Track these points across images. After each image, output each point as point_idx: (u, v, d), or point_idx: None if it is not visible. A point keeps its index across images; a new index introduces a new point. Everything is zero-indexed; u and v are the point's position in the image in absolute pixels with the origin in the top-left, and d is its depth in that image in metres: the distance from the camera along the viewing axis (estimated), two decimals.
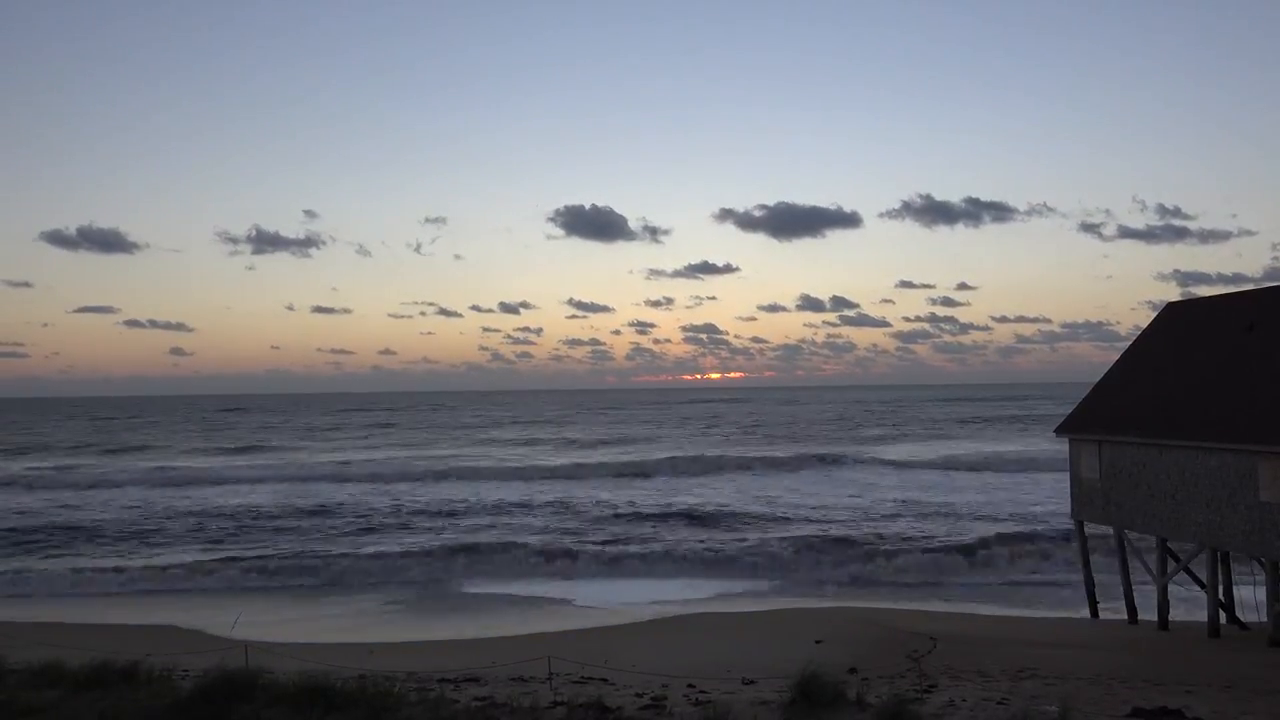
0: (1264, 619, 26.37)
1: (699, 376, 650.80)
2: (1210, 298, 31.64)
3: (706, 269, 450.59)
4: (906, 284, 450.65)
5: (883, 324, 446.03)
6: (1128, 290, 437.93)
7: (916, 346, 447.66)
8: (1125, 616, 29.94)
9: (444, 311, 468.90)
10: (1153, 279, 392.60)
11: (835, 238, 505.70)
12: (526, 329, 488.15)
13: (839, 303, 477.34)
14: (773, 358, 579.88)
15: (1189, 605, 29.84)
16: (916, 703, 14.18)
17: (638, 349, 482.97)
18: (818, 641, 24.52)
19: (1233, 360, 27.04)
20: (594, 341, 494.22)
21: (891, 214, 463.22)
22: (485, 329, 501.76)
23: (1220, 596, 27.80)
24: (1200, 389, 27.34)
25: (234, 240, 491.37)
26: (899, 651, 23.13)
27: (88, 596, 36.75)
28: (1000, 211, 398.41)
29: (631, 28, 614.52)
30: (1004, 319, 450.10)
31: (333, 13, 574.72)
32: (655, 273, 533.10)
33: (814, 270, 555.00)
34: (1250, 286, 29.56)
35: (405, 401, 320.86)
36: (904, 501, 58.22)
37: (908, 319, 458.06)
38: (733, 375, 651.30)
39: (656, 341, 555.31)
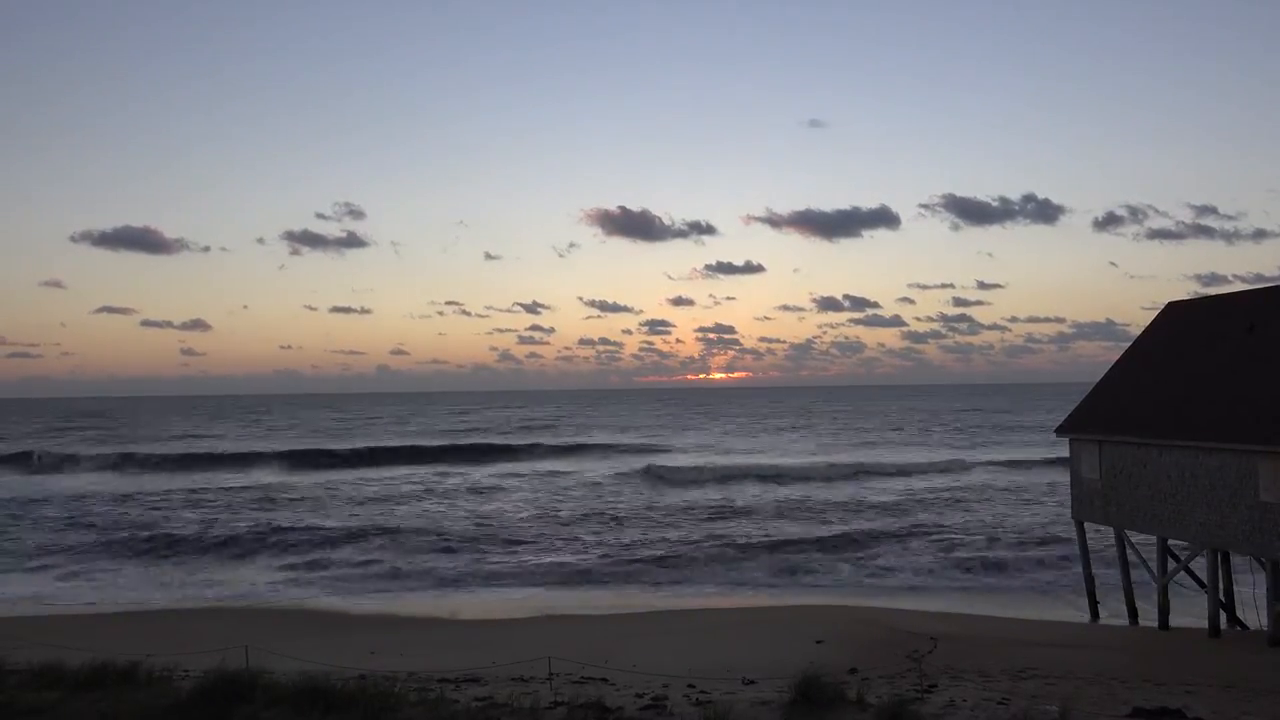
0: (1264, 619, 26.35)
1: (703, 376, 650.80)
2: (1211, 297, 31.57)
3: (732, 269, 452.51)
4: (922, 285, 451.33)
5: (897, 323, 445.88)
6: (1142, 289, 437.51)
7: (924, 346, 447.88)
8: (1126, 617, 29.92)
9: (465, 312, 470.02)
10: (1170, 280, 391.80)
11: (869, 238, 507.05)
12: (538, 328, 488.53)
13: (858, 303, 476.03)
14: (782, 358, 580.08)
15: (1189, 606, 29.81)
16: (916, 703, 14.18)
17: (648, 348, 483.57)
18: (818, 641, 24.51)
19: (1233, 360, 26.99)
20: (604, 341, 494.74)
21: (924, 214, 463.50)
22: (498, 329, 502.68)
23: (1220, 596, 27.77)
24: (1200, 389, 27.29)
25: (264, 241, 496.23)
26: (899, 651, 23.09)
27: None
28: (1030, 210, 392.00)
29: (662, 31, 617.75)
30: (1015, 319, 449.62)
31: (367, 17, 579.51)
32: (680, 273, 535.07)
33: (840, 270, 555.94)
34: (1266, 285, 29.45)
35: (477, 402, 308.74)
36: None
37: (919, 319, 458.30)
38: (736, 375, 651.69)
39: (666, 341, 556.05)
